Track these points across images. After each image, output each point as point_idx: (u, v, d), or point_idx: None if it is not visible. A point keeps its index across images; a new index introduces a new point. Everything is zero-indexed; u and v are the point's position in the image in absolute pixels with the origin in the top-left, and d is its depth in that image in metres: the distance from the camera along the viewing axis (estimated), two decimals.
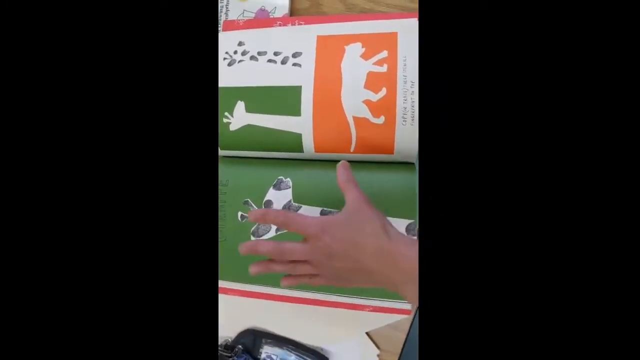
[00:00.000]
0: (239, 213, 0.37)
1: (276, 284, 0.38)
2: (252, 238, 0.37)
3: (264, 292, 0.39)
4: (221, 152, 0.41)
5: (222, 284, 0.39)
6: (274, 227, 0.37)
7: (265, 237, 0.37)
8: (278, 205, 0.37)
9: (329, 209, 0.36)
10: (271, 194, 0.37)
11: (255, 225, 0.37)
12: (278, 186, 0.37)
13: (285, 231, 0.36)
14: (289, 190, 0.37)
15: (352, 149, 0.37)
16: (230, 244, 0.38)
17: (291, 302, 0.39)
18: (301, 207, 0.36)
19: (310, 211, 0.36)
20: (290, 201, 0.36)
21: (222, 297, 0.40)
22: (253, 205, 0.37)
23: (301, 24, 0.39)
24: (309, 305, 0.39)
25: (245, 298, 0.40)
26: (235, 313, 0.42)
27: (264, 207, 0.37)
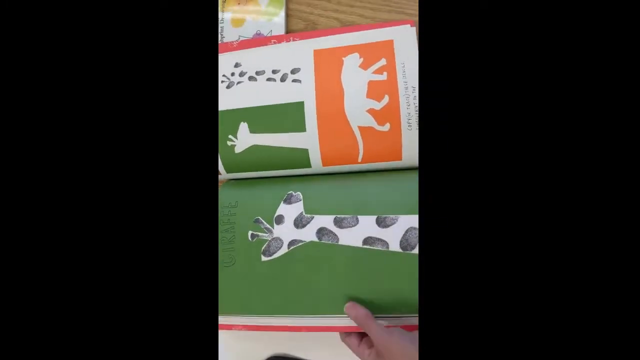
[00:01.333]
0: (250, 232, 0.37)
1: (290, 313, 0.35)
2: (263, 257, 0.36)
3: (279, 324, 0.36)
4: (228, 175, 0.40)
5: (235, 320, 0.36)
6: (285, 245, 0.36)
7: (276, 255, 0.36)
8: (290, 219, 0.36)
9: (342, 215, 0.35)
10: (282, 209, 0.36)
11: (265, 244, 0.36)
12: (289, 200, 0.37)
13: (298, 246, 0.36)
14: (300, 203, 0.36)
15: (359, 159, 0.37)
16: (239, 268, 0.36)
17: (310, 331, 0.36)
18: (314, 217, 0.36)
19: (323, 220, 0.35)
20: (301, 213, 0.36)
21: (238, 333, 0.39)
22: (264, 222, 0.37)
23: (296, 40, 0.40)
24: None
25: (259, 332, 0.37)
26: (256, 342, 0.40)
27: (275, 222, 0.36)
